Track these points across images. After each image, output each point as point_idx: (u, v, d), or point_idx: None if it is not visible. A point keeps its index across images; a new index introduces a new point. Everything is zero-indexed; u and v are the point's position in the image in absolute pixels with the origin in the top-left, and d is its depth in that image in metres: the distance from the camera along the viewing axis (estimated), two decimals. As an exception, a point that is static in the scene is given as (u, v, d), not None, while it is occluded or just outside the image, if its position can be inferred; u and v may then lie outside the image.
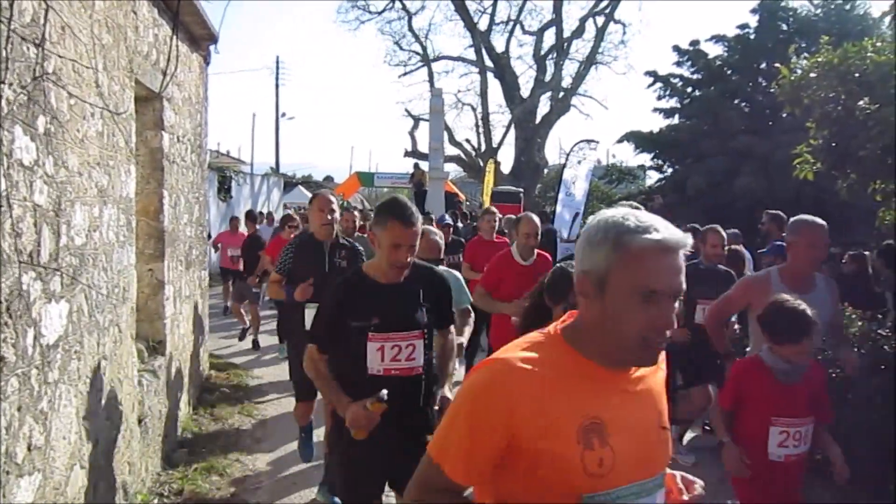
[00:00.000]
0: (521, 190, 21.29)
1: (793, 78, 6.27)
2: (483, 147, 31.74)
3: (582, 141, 17.17)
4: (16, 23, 2.69)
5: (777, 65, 6.86)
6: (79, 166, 3.46)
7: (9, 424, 2.61)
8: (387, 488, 3.23)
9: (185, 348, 6.30)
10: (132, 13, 4.53)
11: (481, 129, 32.03)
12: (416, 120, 31.78)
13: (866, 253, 8.68)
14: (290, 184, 32.00)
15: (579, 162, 16.92)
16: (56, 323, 3.12)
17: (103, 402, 3.86)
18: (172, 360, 5.75)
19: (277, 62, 38.58)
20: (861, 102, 5.66)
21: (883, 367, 4.98)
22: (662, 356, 1.64)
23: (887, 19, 5.59)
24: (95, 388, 3.72)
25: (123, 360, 4.31)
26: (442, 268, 4.84)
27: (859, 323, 5.57)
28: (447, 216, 12.86)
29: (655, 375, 1.66)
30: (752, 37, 19.09)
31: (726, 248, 7.38)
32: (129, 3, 4.47)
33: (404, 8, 31.82)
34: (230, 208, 19.96)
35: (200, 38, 6.73)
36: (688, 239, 1.48)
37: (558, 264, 2.99)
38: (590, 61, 30.88)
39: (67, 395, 3.26)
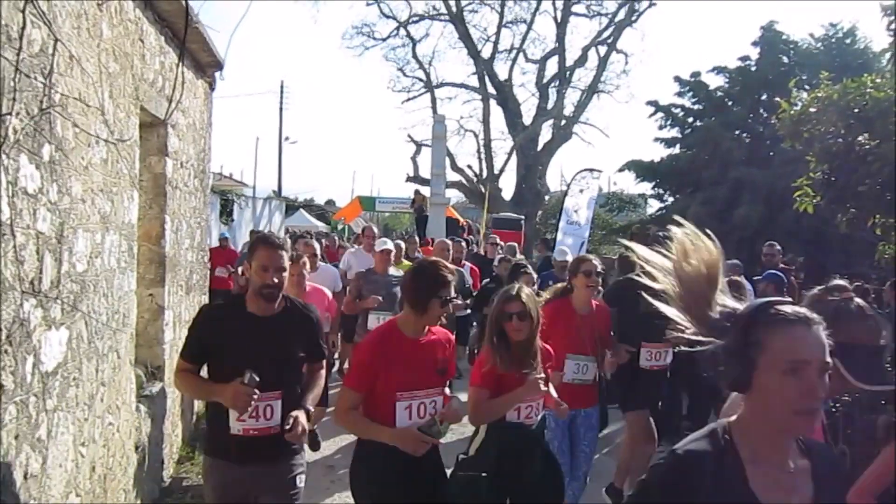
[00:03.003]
0: (523, 217, 21.37)
1: (793, 112, 6.34)
2: (485, 173, 31.88)
3: (584, 170, 17.26)
4: (24, 53, 2.72)
5: (777, 98, 6.92)
6: (82, 193, 3.48)
7: (6, 453, 2.60)
8: None
9: (183, 373, 6.28)
10: (139, 41, 4.58)
11: (483, 156, 32.20)
12: (419, 145, 31.97)
13: (868, 286, 8.68)
14: (292, 207, 32.14)
15: (581, 191, 16.99)
16: (55, 350, 3.12)
17: (100, 428, 3.85)
18: (171, 386, 5.73)
19: (282, 87, 38.93)
20: (860, 138, 5.71)
21: (883, 401, 4.96)
22: None
23: (887, 55, 5.64)
24: (93, 414, 3.71)
25: (122, 386, 4.30)
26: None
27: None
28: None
29: None
30: (753, 68, 19.23)
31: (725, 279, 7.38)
32: (137, 31, 4.52)
33: (408, 35, 32.17)
34: (232, 231, 20.00)
35: (206, 65, 6.79)
36: None
37: None
38: (592, 90, 31.11)
39: (65, 423, 3.25)
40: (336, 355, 7.87)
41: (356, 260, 8.67)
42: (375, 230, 9.33)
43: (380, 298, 6.56)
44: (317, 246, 7.57)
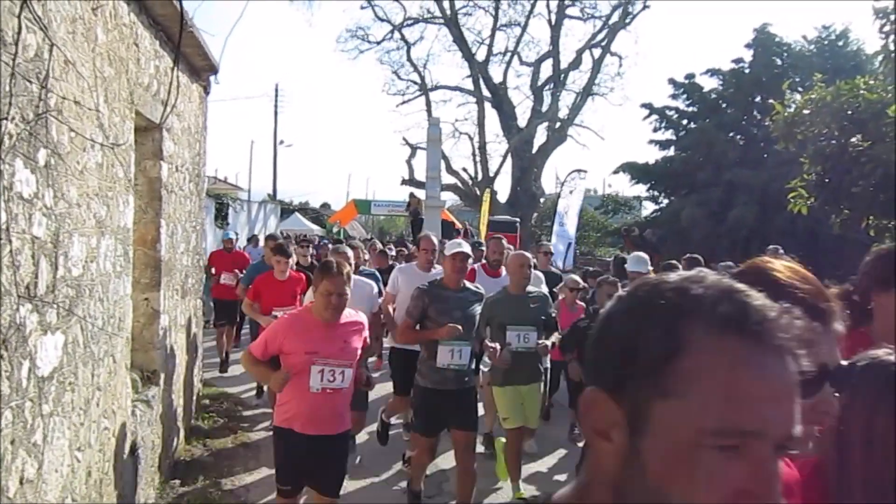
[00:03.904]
0: (518, 219, 21.39)
1: (786, 114, 6.35)
2: (480, 176, 31.90)
3: (573, 171, 17.40)
4: (20, 58, 2.72)
5: (771, 100, 6.95)
6: (78, 198, 3.48)
7: (1, 458, 2.59)
8: None
9: (178, 377, 6.27)
10: (134, 46, 4.58)
11: (478, 158, 32.23)
12: (414, 148, 31.98)
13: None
14: (287, 210, 32.13)
15: (571, 192, 17.11)
16: (51, 355, 3.11)
17: (96, 433, 3.84)
18: (166, 390, 5.72)
19: (276, 90, 38.91)
20: (853, 139, 5.73)
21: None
22: None
23: (879, 58, 5.67)
24: (89, 419, 3.70)
25: (117, 390, 4.30)
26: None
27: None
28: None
29: None
30: (746, 71, 19.33)
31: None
32: (132, 36, 4.52)
33: (403, 38, 32.20)
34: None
35: (201, 68, 6.80)
36: None
37: None
38: (586, 92, 31.20)
39: (60, 428, 3.25)
40: (382, 414, 6.53)
41: (407, 280, 6.35)
42: (435, 240, 6.71)
43: (459, 328, 4.89)
44: (350, 253, 6.05)
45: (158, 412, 5.42)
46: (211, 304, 11.20)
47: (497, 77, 31.75)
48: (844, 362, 1.40)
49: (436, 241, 6.71)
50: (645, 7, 30.04)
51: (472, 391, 5.32)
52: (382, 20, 31.91)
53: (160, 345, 5.53)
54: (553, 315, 5.81)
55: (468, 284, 5.23)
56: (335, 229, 29.51)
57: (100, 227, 3.86)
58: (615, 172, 22.19)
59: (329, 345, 4.03)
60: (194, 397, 7.31)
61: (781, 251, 8.38)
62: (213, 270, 10.59)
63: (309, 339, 4.03)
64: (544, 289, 6.35)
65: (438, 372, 4.95)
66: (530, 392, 5.60)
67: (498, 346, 5.14)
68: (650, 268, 7.17)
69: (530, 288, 5.65)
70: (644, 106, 21.27)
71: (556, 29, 30.75)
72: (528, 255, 5.86)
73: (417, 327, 5.10)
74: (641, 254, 7.40)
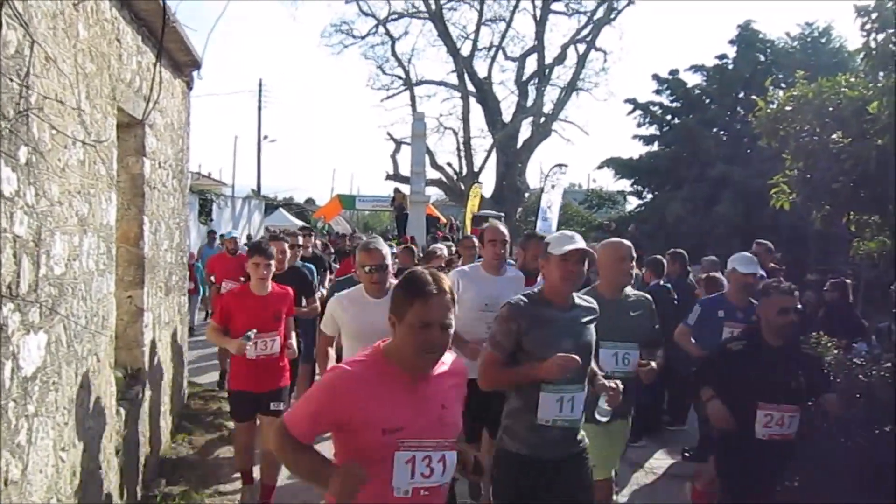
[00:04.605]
0: (503, 214, 21.44)
1: (769, 110, 6.39)
2: (465, 171, 31.94)
3: (555, 166, 17.54)
4: (0, 55, 2.69)
5: (754, 97, 6.98)
6: (59, 195, 3.45)
7: (-16, 459, 2.58)
8: None
9: (163, 376, 6.24)
10: (116, 41, 4.54)
11: (463, 153, 32.24)
12: (398, 143, 31.96)
13: (848, 281, 8.81)
14: (271, 206, 32.01)
15: (553, 187, 17.23)
16: (34, 354, 3.09)
17: (81, 433, 3.82)
18: (151, 389, 5.69)
19: (260, 85, 38.66)
20: (834, 136, 5.77)
21: (858, 395, 5.04)
22: None
23: (861, 55, 5.71)
24: (73, 419, 3.67)
25: (102, 389, 4.27)
26: None
27: (835, 351, 5.62)
28: None
29: None
30: (730, 67, 19.45)
31: (703, 275, 7.48)
32: (114, 31, 4.48)
33: (388, 33, 32.18)
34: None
35: (184, 64, 6.74)
36: None
37: None
38: (571, 87, 31.28)
39: (45, 428, 3.22)
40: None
41: (471, 286, 4.71)
42: (504, 230, 4.96)
43: (575, 359, 3.10)
44: (385, 251, 4.24)
45: (143, 411, 5.39)
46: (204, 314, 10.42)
47: (482, 72, 31.81)
48: None
49: (505, 230, 4.91)
50: (629, 3, 30.16)
51: (585, 458, 3.45)
52: (367, 15, 31.90)
53: (144, 343, 5.49)
54: (658, 327, 4.30)
55: (578, 298, 3.48)
56: (319, 224, 29.44)
57: (82, 225, 3.83)
58: (599, 167, 22.32)
59: (421, 414, 2.36)
60: (180, 395, 7.27)
61: (770, 246, 8.45)
62: (213, 278, 9.07)
63: (389, 406, 2.30)
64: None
65: (537, 431, 3.25)
66: (613, 431, 3.97)
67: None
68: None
69: (628, 290, 4.20)
70: (628, 101, 21.35)
71: (540, 24, 30.81)
72: (629, 243, 4.20)
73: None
74: (746, 254, 5.99)
